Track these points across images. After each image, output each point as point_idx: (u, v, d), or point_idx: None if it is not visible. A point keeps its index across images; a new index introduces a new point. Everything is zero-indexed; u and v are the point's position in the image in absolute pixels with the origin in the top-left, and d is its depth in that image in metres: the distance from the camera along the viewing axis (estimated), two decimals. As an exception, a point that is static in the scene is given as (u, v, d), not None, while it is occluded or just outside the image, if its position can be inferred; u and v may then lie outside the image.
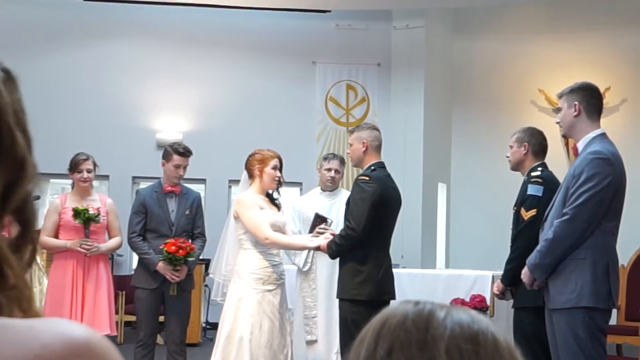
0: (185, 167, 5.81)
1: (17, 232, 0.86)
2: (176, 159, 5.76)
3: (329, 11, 10.78)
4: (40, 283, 7.18)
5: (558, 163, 7.25)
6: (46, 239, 5.72)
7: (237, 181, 5.64)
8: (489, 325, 0.87)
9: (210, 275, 5.51)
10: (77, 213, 5.61)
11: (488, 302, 6.46)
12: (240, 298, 4.97)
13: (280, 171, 5.20)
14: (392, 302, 4.88)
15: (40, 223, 7.77)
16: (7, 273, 0.82)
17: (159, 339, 6.76)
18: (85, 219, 5.62)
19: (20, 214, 0.86)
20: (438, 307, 0.89)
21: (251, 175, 5.21)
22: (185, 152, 5.82)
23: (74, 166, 5.78)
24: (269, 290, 5.02)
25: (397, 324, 0.87)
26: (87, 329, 0.81)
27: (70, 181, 6.01)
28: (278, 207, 5.27)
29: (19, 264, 0.85)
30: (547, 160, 4.99)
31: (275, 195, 5.26)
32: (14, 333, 0.77)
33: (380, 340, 0.86)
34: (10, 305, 0.83)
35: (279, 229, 5.14)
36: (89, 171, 5.78)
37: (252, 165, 5.19)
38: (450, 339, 0.84)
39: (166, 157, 5.82)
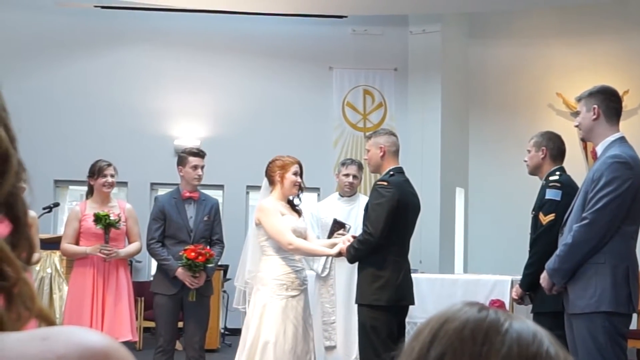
0: (202, 167, 5.84)
1: (10, 229, 0.84)
2: (192, 160, 5.80)
3: (346, 17, 10.79)
4: (60, 289, 7.25)
5: (577, 167, 7.21)
6: (67, 246, 5.75)
7: (255, 187, 5.67)
8: (550, 346, 0.84)
9: (235, 284, 5.54)
10: (98, 218, 5.63)
11: (507, 307, 6.43)
12: (265, 304, 4.98)
13: (301, 177, 5.21)
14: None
15: (61, 231, 7.84)
16: (7, 272, 0.81)
17: (178, 345, 6.78)
18: (106, 225, 5.64)
19: (10, 211, 0.84)
20: (501, 317, 0.86)
21: (272, 182, 5.22)
22: (200, 152, 5.88)
23: (98, 172, 5.79)
24: (293, 296, 5.03)
25: (455, 330, 0.85)
26: (104, 338, 0.79)
27: (86, 188, 6.04)
28: (299, 213, 5.28)
29: (18, 262, 0.83)
30: (565, 164, 4.96)
31: (296, 201, 5.28)
32: (28, 346, 0.75)
33: (435, 342, 0.85)
34: (15, 305, 0.81)
35: (300, 234, 5.15)
36: (112, 176, 5.82)
37: (273, 172, 5.20)
38: (505, 357, 0.82)
39: (182, 162, 5.85)
